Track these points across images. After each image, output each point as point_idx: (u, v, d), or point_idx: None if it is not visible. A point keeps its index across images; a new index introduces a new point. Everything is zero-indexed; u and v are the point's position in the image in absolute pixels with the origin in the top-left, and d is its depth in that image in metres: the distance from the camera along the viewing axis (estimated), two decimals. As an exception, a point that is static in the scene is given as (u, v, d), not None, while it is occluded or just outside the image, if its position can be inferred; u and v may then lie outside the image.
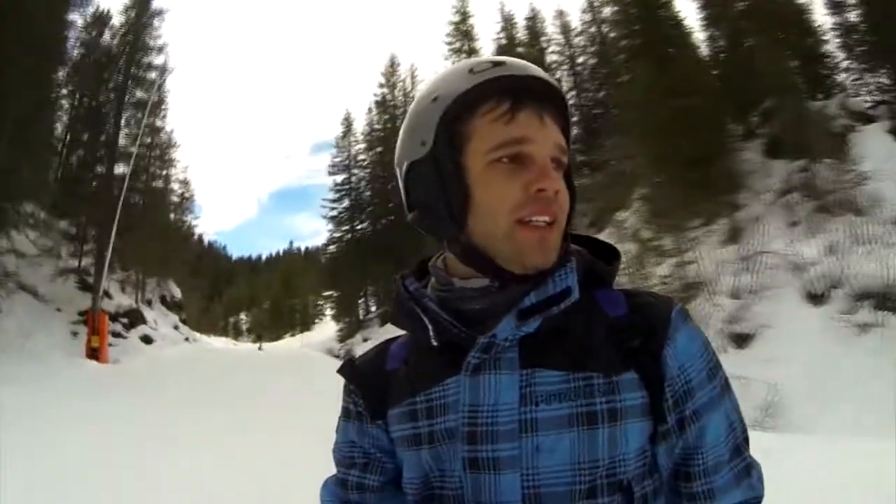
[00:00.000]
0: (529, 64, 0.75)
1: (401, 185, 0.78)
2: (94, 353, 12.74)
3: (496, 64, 0.72)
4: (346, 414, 0.84)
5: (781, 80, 13.95)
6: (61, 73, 18.54)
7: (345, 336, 29.71)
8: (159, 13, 22.59)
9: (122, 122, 20.53)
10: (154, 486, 4.59)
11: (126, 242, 17.52)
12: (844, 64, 17.35)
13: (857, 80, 17.05)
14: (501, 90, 0.71)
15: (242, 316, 74.33)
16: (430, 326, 0.74)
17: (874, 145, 13.20)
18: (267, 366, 15.95)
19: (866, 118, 15.77)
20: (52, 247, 14.42)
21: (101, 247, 15.87)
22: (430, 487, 0.74)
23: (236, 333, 67.68)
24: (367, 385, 0.81)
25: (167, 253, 22.14)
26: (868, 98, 16.41)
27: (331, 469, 0.86)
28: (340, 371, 0.86)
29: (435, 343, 0.73)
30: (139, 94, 21.57)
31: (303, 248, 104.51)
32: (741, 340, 9.43)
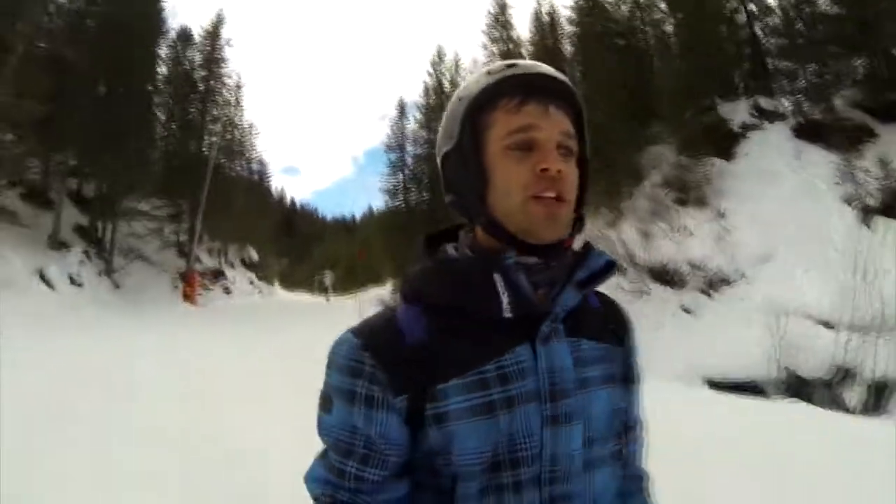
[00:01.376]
0: (539, 64, 0.87)
1: (440, 172, 0.90)
2: (187, 299, 18.82)
3: (509, 66, 0.85)
4: (349, 397, 0.79)
5: (679, 83, 17.56)
6: (157, 81, 23.56)
7: (394, 292, 35.29)
8: (228, 42, 28.10)
9: (207, 122, 26.67)
10: (220, 357, 9.65)
11: (212, 219, 23.71)
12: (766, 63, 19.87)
13: (767, 81, 19.46)
14: (513, 86, 0.82)
15: (326, 273, 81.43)
16: (505, 297, 0.79)
17: (772, 144, 16.14)
18: (311, 310, 21.80)
19: (776, 117, 18.17)
20: (158, 227, 20.64)
21: (193, 224, 22.08)
22: (496, 454, 0.77)
23: (322, 289, 74.46)
24: (391, 362, 0.78)
25: (246, 224, 28.52)
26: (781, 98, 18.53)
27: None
28: (345, 350, 0.81)
29: (510, 315, 0.78)
30: (221, 98, 27.73)
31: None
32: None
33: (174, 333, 11.39)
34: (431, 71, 40.63)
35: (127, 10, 18.80)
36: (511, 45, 32.78)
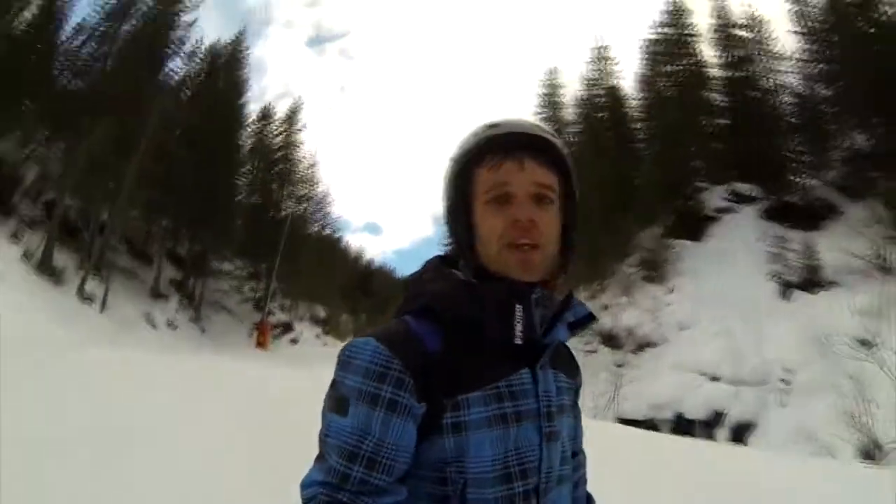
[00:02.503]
0: (521, 121, 0.93)
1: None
2: (260, 346, 22.11)
3: (490, 126, 0.92)
4: (371, 401, 0.78)
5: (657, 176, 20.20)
6: (241, 158, 27.29)
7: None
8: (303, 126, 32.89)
9: (284, 196, 30.95)
10: (281, 382, 12.60)
11: (285, 280, 27.39)
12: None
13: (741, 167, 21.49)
14: (493, 146, 0.89)
15: None
16: (519, 325, 0.84)
17: (740, 225, 18.65)
18: None
19: (748, 200, 20.30)
20: (238, 285, 24.37)
21: (268, 283, 25.73)
22: (507, 464, 0.82)
23: None
24: (417, 368, 0.80)
25: (315, 284, 32.26)
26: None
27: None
28: (370, 354, 0.81)
29: (519, 342, 0.84)
30: (296, 175, 32.10)
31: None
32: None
33: (247, 363, 14.48)
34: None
35: (217, 107, 23.25)
36: (561, 123, 35.82)
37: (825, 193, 20.23)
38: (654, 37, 26.88)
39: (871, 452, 9.11)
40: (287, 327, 26.89)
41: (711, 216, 20.13)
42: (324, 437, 0.81)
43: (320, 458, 0.81)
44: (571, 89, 33.48)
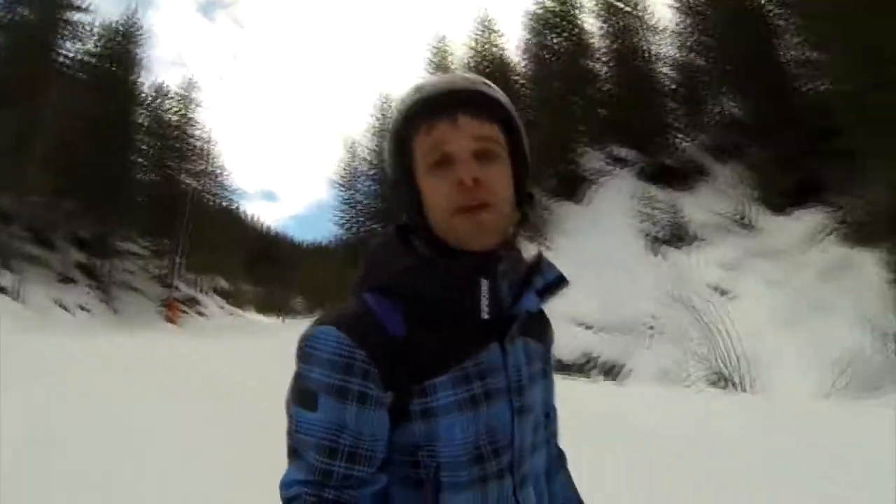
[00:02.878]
0: (450, 77, 0.88)
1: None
2: (170, 320, 23.48)
3: (417, 89, 0.87)
4: (341, 394, 0.76)
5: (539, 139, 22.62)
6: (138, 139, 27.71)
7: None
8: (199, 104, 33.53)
9: (182, 173, 31.47)
10: (193, 355, 14.46)
11: (189, 254, 28.49)
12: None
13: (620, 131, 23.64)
14: (423, 109, 0.84)
15: (298, 299, 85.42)
16: (485, 300, 0.82)
17: (617, 187, 20.82)
18: (263, 328, 26.69)
19: (625, 163, 22.66)
20: (144, 264, 25.38)
21: (173, 259, 26.80)
22: (478, 445, 0.81)
23: (295, 313, 77.72)
24: (381, 357, 0.77)
25: (218, 258, 33.41)
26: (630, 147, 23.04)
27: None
28: (333, 344, 0.77)
29: (487, 316, 0.82)
30: (194, 152, 32.70)
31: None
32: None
33: (162, 342, 16.17)
34: (378, 115, 46.39)
35: (113, 87, 23.84)
36: None
37: (697, 156, 22.68)
38: (537, 10, 29.01)
39: (718, 383, 11.32)
40: (194, 301, 28.14)
41: (591, 179, 22.40)
42: (294, 432, 0.78)
43: (294, 455, 0.78)
44: (459, 55, 35.54)
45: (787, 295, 14.59)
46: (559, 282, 0.94)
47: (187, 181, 30.75)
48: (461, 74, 0.90)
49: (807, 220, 16.83)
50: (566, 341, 13.84)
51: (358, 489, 0.77)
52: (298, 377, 0.80)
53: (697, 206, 18.91)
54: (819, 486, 3.69)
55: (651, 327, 14.38)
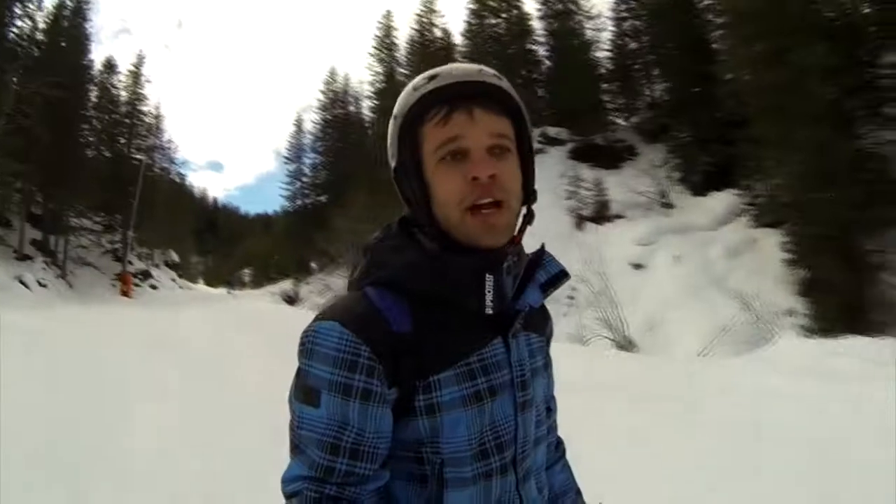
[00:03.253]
0: (465, 67, 0.85)
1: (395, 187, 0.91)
2: (124, 293, 24.57)
3: (431, 78, 0.84)
4: (344, 391, 0.76)
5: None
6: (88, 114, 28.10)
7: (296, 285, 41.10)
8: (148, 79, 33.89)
9: (132, 149, 31.87)
10: (150, 326, 15.82)
11: (139, 231, 29.38)
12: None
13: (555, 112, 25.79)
14: (437, 99, 0.82)
15: (246, 270, 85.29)
16: (489, 295, 0.82)
17: (549, 165, 22.33)
18: (211, 299, 28.28)
19: (558, 142, 24.45)
20: (96, 239, 26.26)
21: (125, 233, 27.68)
22: (482, 441, 0.82)
23: (242, 285, 78.01)
24: (386, 353, 0.77)
25: (168, 231, 34.44)
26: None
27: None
28: (336, 340, 0.77)
29: (490, 311, 0.82)
30: (143, 126, 33.22)
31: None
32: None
33: (118, 311, 17.49)
34: (324, 89, 47.42)
35: (63, 63, 24.01)
36: (395, 66, 39.61)
37: (626, 136, 24.32)
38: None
39: (625, 346, 12.85)
40: (146, 275, 29.13)
41: None
42: (297, 429, 0.79)
43: (297, 450, 0.79)
44: (405, 33, 37.11)
45: (693, 269, 16.67)
46: (561, 276, 0.94)
47: (138, 157, 31.29)
48: (475, 66, 0.87)
49: (721, 202, 18.78)
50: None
51: (360, 486, 0.77)
52: (300, 373, 0.80)
53: (622, 185, 20.65)
54: (685, 417, 5.39)
55: (571, 297, 16.32)
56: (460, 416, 0.80)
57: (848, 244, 12.48)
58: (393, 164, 0.89)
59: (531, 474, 0.90)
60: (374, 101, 42.02)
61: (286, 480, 0.79)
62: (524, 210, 0.91)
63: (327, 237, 31.53)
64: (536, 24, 30.78)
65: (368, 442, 0.77)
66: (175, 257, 37.22)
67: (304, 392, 0.79)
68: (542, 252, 0.95)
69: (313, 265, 41.18)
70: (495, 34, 30.86)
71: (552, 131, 25.81)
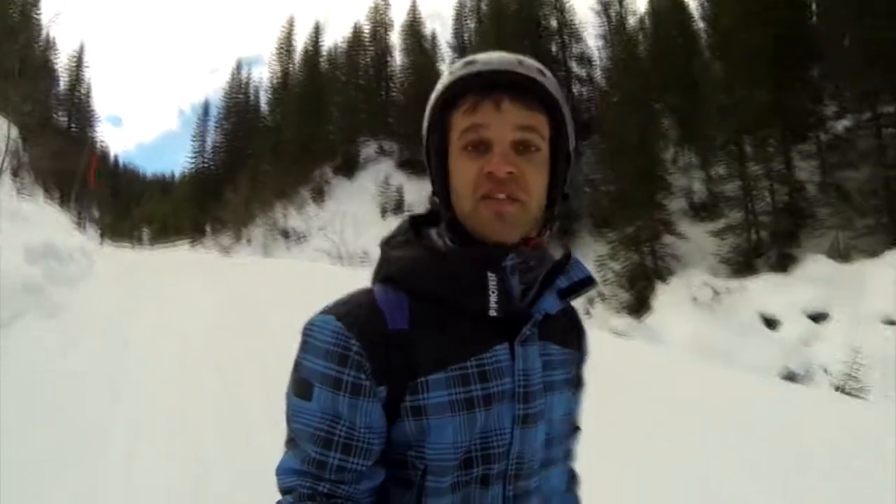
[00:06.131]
0: (504, 56, 0.81)
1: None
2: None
3: (467, 63, 0.82)
4: (335, 385, 0.75)
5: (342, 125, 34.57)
6: None
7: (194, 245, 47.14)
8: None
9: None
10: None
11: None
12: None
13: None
14: (470, 85, 0.79)
15: (145, 230, 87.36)
16: (493, 296, 0.77)
17: (379, 171, 33.80)
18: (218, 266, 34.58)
19: (388, 153, 35.15)
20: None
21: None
22: (469, 450, 0.77)
23: (140, 242, 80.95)
24: (376, 349, 0.75)
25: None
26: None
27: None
28: (329, 334, 0.76)
29: (494, 314, 0.77)
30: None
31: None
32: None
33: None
34: (235, 72, 53.73)
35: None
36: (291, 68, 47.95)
37: None
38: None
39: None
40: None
41: (362, 162, 34.00)
42: (291, 422, 0.78)
43: (291, 443, 0.79)
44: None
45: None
46: (586, 283, 0.87)
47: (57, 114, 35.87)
48: (516, 56, 0.82)
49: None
50: (318, 265, 19.21)
51: (353, 484, 0.75)
52: (297, 365, 0.79)
53: (420, 189, 30.69)
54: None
55: (362, 260, 25.09)
56: (447, 422, 0.76)
57: None
58: (424, 144, 0.88)
59: (532, 497, 0.83)
60: (270, 96, 49.58)
61: (280, 473, 0.79)
62: (546, 214, 0.84)
63: (221, 206, 40.34)
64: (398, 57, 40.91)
65: (360, 437, 0.75)
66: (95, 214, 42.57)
67: (297, 385, 0.78)
68: (567, 257, 0.87)
69: (207, 228, 48.26)
70: (363, 64, 41.51)
71: (386, 144, 36.53)
